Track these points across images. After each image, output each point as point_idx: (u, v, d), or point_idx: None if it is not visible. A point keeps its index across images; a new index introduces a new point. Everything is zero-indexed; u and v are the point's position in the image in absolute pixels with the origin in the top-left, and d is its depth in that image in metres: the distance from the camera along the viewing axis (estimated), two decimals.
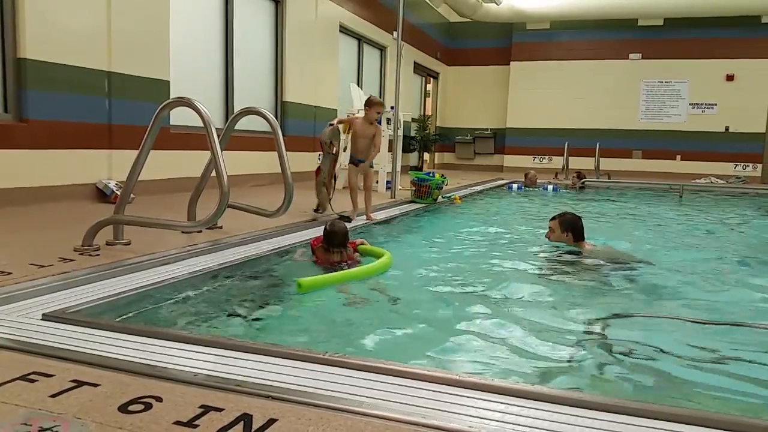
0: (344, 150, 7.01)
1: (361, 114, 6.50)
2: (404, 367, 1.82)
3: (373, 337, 2.62)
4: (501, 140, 17.21)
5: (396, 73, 7.59)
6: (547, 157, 16.45)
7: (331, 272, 3.54)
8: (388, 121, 8.15)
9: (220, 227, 4.27)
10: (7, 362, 1.81)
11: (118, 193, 5.47)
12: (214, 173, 3.40)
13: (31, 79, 5.21)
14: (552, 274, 4.01)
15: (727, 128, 15.27)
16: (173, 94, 6.46)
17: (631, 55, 15.89)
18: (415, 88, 15.66)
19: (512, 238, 5.58)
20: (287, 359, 1.87)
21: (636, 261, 4.31)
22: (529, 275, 3.95)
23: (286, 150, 4.15)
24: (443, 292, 3.42)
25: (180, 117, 6.33)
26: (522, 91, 16.76)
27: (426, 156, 16.81)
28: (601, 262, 4.21)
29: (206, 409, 1.53)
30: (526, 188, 11.39)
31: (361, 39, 12.13)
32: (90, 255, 3.22)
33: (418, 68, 15.42)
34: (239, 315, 2.81)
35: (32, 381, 1.67)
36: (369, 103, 5.58)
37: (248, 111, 4.35)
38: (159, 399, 1.58)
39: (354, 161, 5.66)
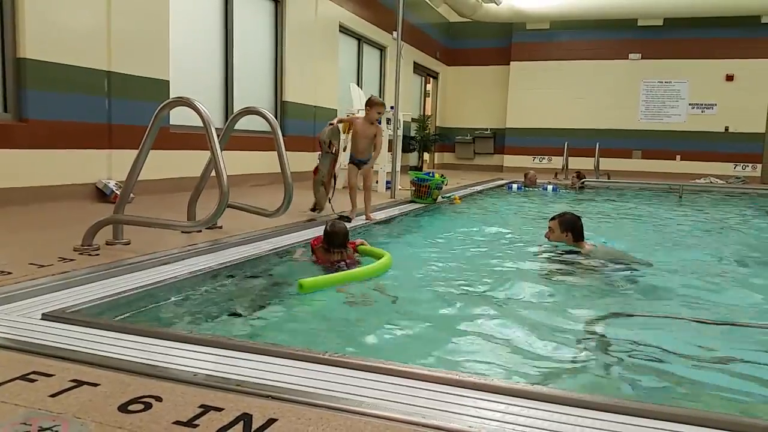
0: (344, 150, 7.01)
1: (362, 114, 6.51)
2: (404, 367, 1.82)
3: (373, 336, 2.62)
4: (501, 140, 17.21)
5: (396, 73, 7.59)
6: (546, 157, 16.45)
7: (331, 272, 3.54)
8: (388, 121, 8.15)
9: (220, 227, 4.27)
10: (7, 362, 1.81)
11: (118, 192, 5.47)
12: (213, 173, 3.40)
13: (31, 78, 5.20)
14: (552, 274, 4.01)
15: (726, 128, 15.28)
16: (173, 94, 6.45)
17: (631, 55, 15.90)
18: (414, 88, 15.66)
19: (512, 238, 5.58)
20: (287, 359, 1.87)
21: (635, 261, 4.31)
22: (528, 275, 3.95)
23: (286, 150, 4.15)
24: (443, 291, 3.42)
25: (180, 117, 6.34)
26: (522, 91, 16.77)
27: (426, 156, 16.81)
28: (601, 262, 4.21)
29: (206, 408, 1.52)
30: (526, 188, 11.39)
31: (361, 39, 12.13)
32: (90, 255, 3.22)
33: (418, 68, 15.42)
34: (239, 315, 2.81)
35: (32, 381, 1.67)
36: (370, 103, 5.56)
37: (248, 111, 4.35)
38: (159, 399, 1.58)
39: (354, 161, 5.64)
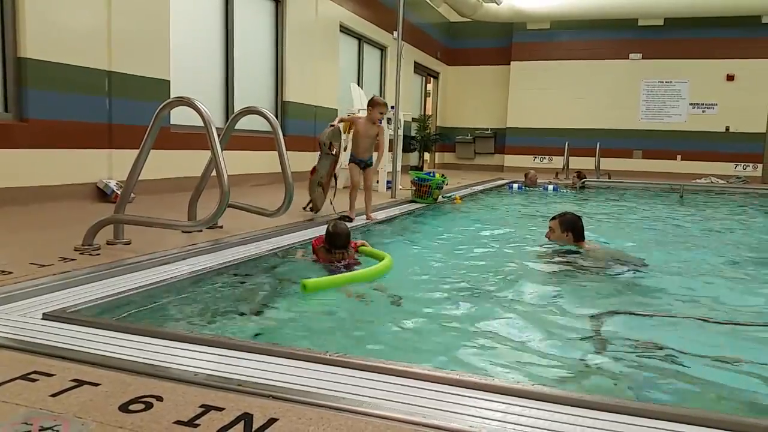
0: (344, 149, 7.01)
1: (362, 114, 6.50)
2: (405, 366, 1.82)
3: (376, 337, 2.62)
4: (501, 140, 17.21)
5: (396, 73, 7.59)
6: (547, 157, 16.45)
7: (332, 272, 3.54)
8: (389, 120, 8.15)
9: (221, 227, 4.27)
10: (8, 362, 1.81)
11: (119, 192, 5.48)
12: (214, 173, 3.40)
13: (32, 78, 5.21)
14: (552, 274, 4.00)
15: (727, 128, 15.27)
16: (173, 94, 6.46)
17: (631, 55, 15.89)
18: (415, 87, 15.66)
19: (512, 237, 5.57)
20: (288, 359, 1.87)
21: (636, 261, 4.31)
22: (529, 275, 3.95)
23: (287, 150, 4.15)
24: (444, 291, 3.42)
25: (180, 116, 6.33)
26: (522, 91, 16.76)
27: (426, 156, 16.81)
28: (601, 261, 4.21)
29: (207, 408, 1.52)
30: (527, 188, 11.39)
31: (361, 39, 12.13)
32: (90, 254, 3.22)
33: (419, 68, 15.42)
34: (240, 314, 2.80)
35: (33, 380, 1.67)
36: (372, 104, 5.54)
37: (248, 110, 4.35)
38: (159, 398, 1.58)
39: (355, 161, 5.62)
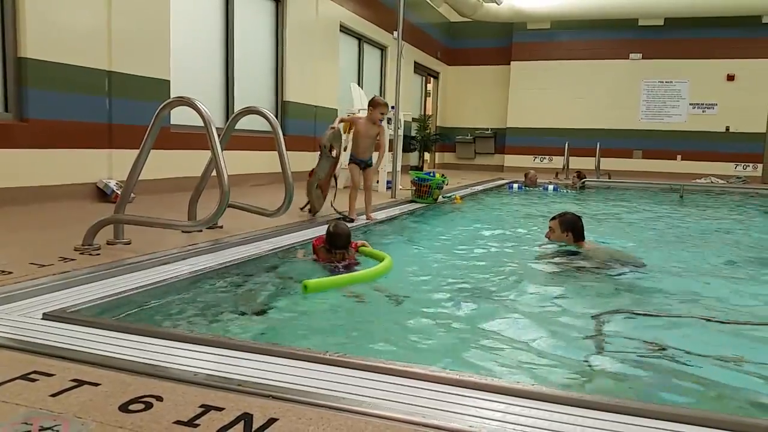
0: (344, 149, 7.00)
1: (362, 114, 6.49)
2: (405, 366, 1.82)
3: (375, 336, 2.62)
4: (501, 140, 17.21)
5: (396, 73, 7.59)
6: (547, 156, 16.45)
7: (332, 272, 3.54)
8: (389, 120, 8.14)
9: (221, 227, 4.27)
10: (8, 361, 1.81)
11: (119, 192, 5.48)
12: (214, 173, 3.40)
13: (32, 78, 5.21)
14: (552, 274, 4.00)
15: (727, 128, 15.27)
16: (173, 94, 6.45)
17: (631, 55, 15.89)
18: (415, 87, 15.66)
19: (512, 237, 5.57)
20: (288, 359, 1.87)
21: (636, 260, 4.31)
22: (529, 275, 3.95)
23: (287, 150, 4.15)
24: (444, 291, 3.42)
25: (180, 116, 6.33)
26: (522, 91, 16.76)
27: (426, 156, 16.82)
28: (601, 261, 4.20)
29: (207, 408, 1.52)
30: (527, 188, 11.39)
31: (361, 38, 12.13)
32: (90, 254, 3.22)
33: (419, 68, 15.42)
34: (241, 314, 2.81)
35: (33, 380, 1.67)
36: (373, 104, 5.53)
37: (249, 110, 4.35)
38: (159, 398, 1.58)
39: (355, 161, 5.61)
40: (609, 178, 13.27)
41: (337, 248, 3.70)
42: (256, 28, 8.75)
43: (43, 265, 2.91)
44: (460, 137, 17.61)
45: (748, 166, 15.09)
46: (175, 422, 1.45)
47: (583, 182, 11.79)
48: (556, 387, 1.97)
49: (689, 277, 4.10)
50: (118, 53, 5.96)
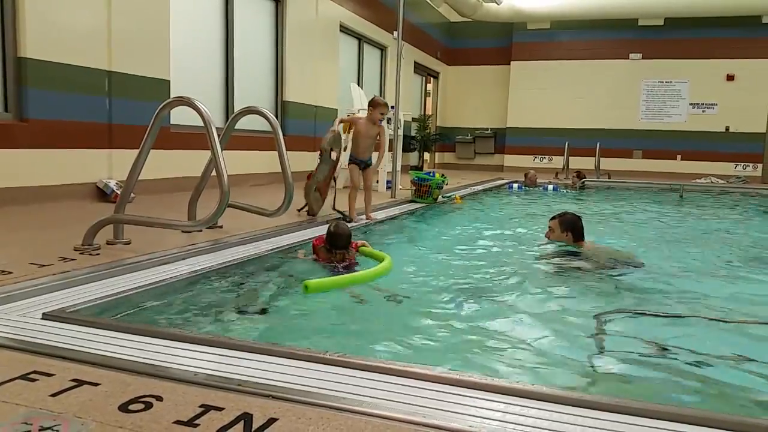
0: (344, 149, 7.00)
1: (362, 114, 6.49)
2: (405, 366, 1.82)
3: (375, 336, 2.62)
4: (501, 140, 17.21)
5: (396, 73, 7.59)
6: (547, 156, 16.45)
7: (332, 272, 3.54)
8: (389, 120, 8.14)
9: (221, 227, 4.27)
10: (8, 361, 1.81)
11: (119, 192, 5.47)
12: (214, 173, 3.39)
13: (32, 78, 5.20)
14: (552, 274, 4.00)
15: (727, 128, 15.27)
16: (173, 94, 6.46)
17: (631, 55, 15.89)
18: (415, 87, 15.65)
19: (512, 237, 5.57)
20: (288, 359, 1.87)
21: (636, 260, 4.31)
22: (528, 275, 3.94)
23: (287, 149, 4.15)
24: (444, 291, 3.41)
25: (180, 116, 6.33)
26: (522, 91, 16.76)
27: (426, 156, 16.81)
28: (601, 261, 4.20)
29: (207, 408, 1.52)
30: (527, 188, 11.39)
31: (361, 38, 12.13)
32: (90, 254, 3.22)
33: (419, 68, 15.41)
34: (241, 314, 2.80)
35: (32, 380, 1.67)
36: (373, 104, 5.52)
37: (248, 110, 4.35)
38: (159, 398, 1.58)
39: (355, 161, 5.60)
40: (609, 178, 13.27)
41: (337, 248, 3.70)
42: (255, 28, 8.74)
43: (43, 265, 2.91)
44: (460, 137, 17.61)
45: (748, 166, 15.09)
46: (175, 422, 1.44)
47: (583, 182, 11.79)
48: (556, 387, 1.96)
49: (689, 276, 4.10)
50: (118, 53, 5.96)
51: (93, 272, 2.86)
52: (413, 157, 15.32)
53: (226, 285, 3.19)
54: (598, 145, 13.62)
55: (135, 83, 6.18)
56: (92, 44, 5.71)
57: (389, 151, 7.85)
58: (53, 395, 1.57)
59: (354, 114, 7.91)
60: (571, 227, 4.49)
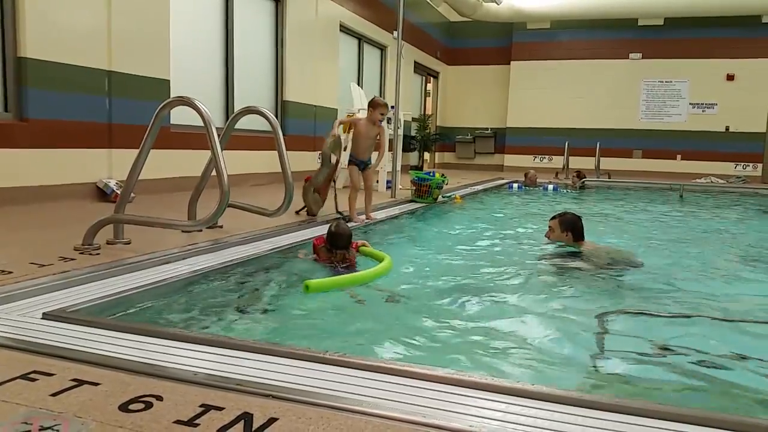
0: (344, 149, 6.99)
1: (362, 114, 6.48)
2: (405, 366, 1.82)
3: (375, 336, 2.62)
4: (501, 140, 17.20)
5: (396, 73, 7.59)
6: (547, 156, 16.45)
7: (332, 272, 3.54)
8: (389, 120, 8.14)
9: (221, 226, 4.27)
10: (8, 361, 1.81)
11: (119, 192, 5.47)
12: (214, 172, 3.39)
13: (32, 78, 5.20)
14: (552, 274, 4.00)
15: (727, 128, 15.27)
16: (173, 94, 6.45)
17: (631, 55, 15.89)
18: (415, 87, 15.65)
19: (512, 237, 5.57)
20: (288, 358, 1.87)
21: (635, 260, 4.31)
22: (528, 275, 3.95)
23: (287, 149, 4.14)
24: (444, 291, 3.41)
25: (180, 116, 6.33)
26: (522, 91, 16.76)
27: (426, 155, 16.81)
28: (601, 261, 4.20)
29: (207, 408, 1.52)
30: (527, 188, 11.39)
31: (361, 38, 12.13)
32: (90, 254, 3.22)
33: (419, 68, 15.41)
34: (241, 314, 2.80)
35: (33, 380, 1.67)
36: (373, 104, 5.51)
37: (248, 110, 4.35)
38: (159, 398, 1.57)
39: (355, 162, 5.59)
40: (609, 178, 13.27)
41: (338, 248, 3.70)
42: (255, 28, 8.74)
43: (43, 265, 2.91)
44: (460, 137, 17.61)
45: (748, 165, 15.09)
46: (175, 422, 1.44)
47: (583, 182, 11.79)
48: (557, 387, 1.96)
49: (689, 276, 4.10)
50: (118, 53, 5.96)
51: (93, 272, 2.86)
52: (413, 157, 15.32)
53: (227, 285, 3.19)
54: (598, 144, 13.62)
55: (135, 83, 6.18)
56: (92, 44, 5.71)
57: (389, 151, 7.85)
58: (53, 395, 1.57)
59: (354, 114, 7.90)
60: (571, 227, 4.49)
